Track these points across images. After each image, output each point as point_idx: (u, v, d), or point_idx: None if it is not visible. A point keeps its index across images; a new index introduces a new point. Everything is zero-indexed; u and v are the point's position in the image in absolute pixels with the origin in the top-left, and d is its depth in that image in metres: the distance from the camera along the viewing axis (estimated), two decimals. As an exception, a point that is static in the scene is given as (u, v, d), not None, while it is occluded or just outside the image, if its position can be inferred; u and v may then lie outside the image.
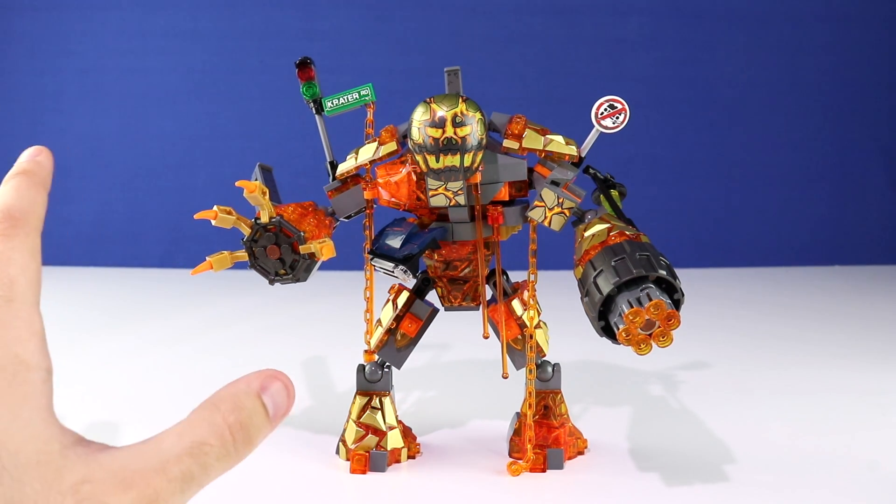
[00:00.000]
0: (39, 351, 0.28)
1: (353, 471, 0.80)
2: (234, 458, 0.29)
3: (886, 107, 2.37)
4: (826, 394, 1.09)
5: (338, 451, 0.84)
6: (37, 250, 0.30)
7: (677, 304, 0.69)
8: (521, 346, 0.81)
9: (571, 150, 0.77)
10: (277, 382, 0.31)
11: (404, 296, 0.83)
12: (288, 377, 0.31)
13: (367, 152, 0.78)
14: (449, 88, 0.78)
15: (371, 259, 0.76)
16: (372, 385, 0.83)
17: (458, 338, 1.27)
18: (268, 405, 0.30)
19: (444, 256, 0.81)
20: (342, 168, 0.80)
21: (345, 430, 0.83)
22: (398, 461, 0.82)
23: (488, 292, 0.81)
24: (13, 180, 0.33)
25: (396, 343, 0.83)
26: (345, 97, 0.80)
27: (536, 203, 0.75)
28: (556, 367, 0.84)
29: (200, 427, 0.29)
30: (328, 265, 0.83)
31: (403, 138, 0.78)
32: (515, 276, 0.85)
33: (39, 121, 2.28)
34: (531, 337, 0.79)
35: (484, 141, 0.72)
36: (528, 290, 0.80)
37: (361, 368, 0.83)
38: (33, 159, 0.35)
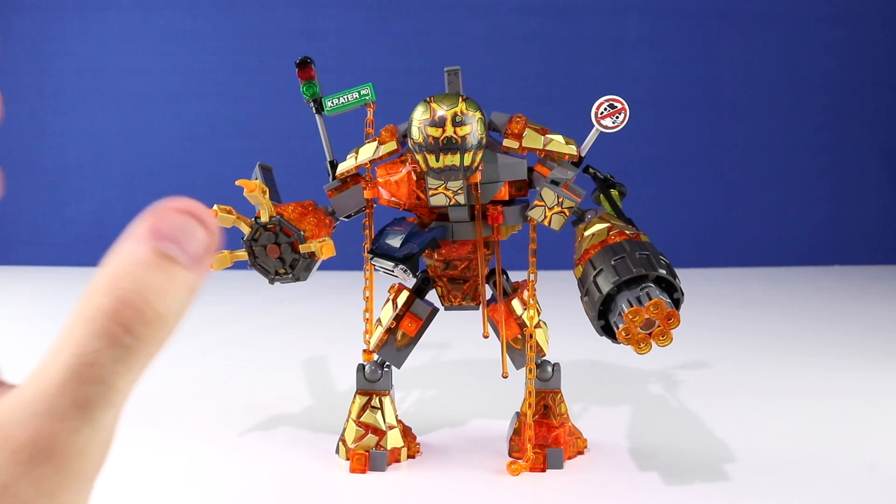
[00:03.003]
0: None
1: (352, 470, 0.80)
2: (141, 348, 0.21)
3: (886, 107, 2.37)
4: (826, 394, 1.09)
5: (338, 451, 0.84)
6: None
7: (677, 303, 0.69)
8: (520, 346, 0.81)
9: (571, 149, 0.77)
10: (171, 214, 0.22)
11: (404, 295, 0.83)
12: (191, 201, 0.22)
13: (367, 152, 0.79)
14: (449, 88, 0.78)
15: (371, 258, 0.76)
16: (372, 384, 0.83)
17: (458, 337, 1.27)
18: (169, 250, 0.21)
19: (443, 256, 0.81)
20: (342, 167, 0.80)
21: (345, 430, 0.83)
22: (398, 461, 0.82)
23: (488, 292, 0.81)
24: None
25: (396, 342, 0.83)
26: (345, 97, 0.80)
27: (536, 202, 0.75)
28: (555, 366, 0.84)
29: (76, 333, 0.21)
30: (328, 264, 0.83)
31: (403, 138, 0.78)
32: (515, 276, 0.85)
33: (39, 121, 2.28)
34: (531, 336, 0.79)
35: (484, 140, 0.72)
36: (528, 290, 0.80)
37: (361, 368, 0.83)
38: None
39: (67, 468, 0.21)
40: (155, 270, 0.21)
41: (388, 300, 0.85)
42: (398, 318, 0.83)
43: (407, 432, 0.85)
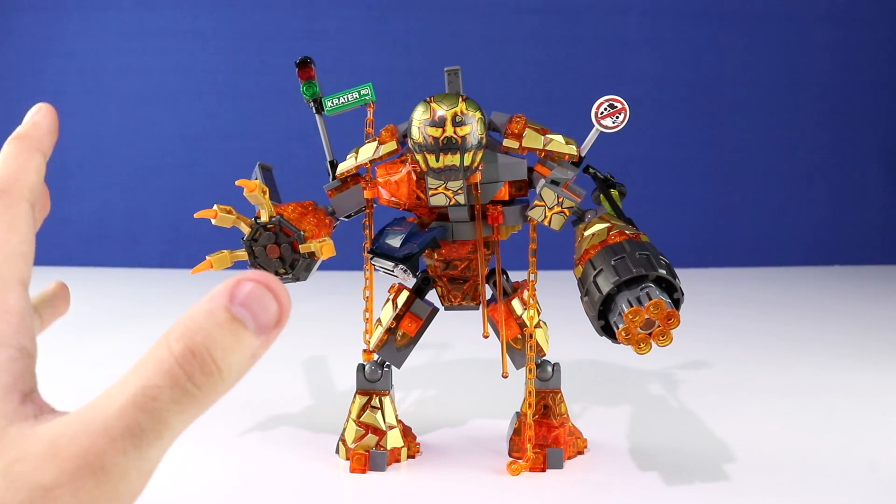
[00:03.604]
0: (12, 330, 0.24)
1: (352, 470, 0.80)
2: (199, 395, 0.23)
3: (886, 107, 2.37)
4: (826, 394, 1.09)
5: (337, 451, 0.84)
6: (21, 222, 0.26)
7: (677, 303, 0.69)
8: (520, 346, 0.81)
9: (571, 149, 0.77)
10: (249, 284, 0.24)
11: (404, 295, 0.83)
12: (271, 276, 0.24)
13: (367, 152, 0.79)
14: (449, 88, 0.78)
15: (371, 258, 0.76)
16: (372, 384, 0.83)
17: (458, 337, 1.27)
18: (241, 315, 0.23)
19: (443, 256, 0.81)
20: (342, 167, 0.80)
21: (345, 430, 0.83)
22: (398, 460, 0.82)
23: (488, 292, 0.81)
24: (5, 146, 0.29)
25: (396, 342, 0.83)
26: (345, 97, 0.80)
27: (536, 202, 0.75)
28: (555, 366, 0.84)
29: (146, 368, 0.23)
30: (328, 264, 0.83)
31: (403, 138, 0.78)
32: (515, 276, 0.85)
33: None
34: (531, 336, 0.79)
35: (484, 140, 0.72)
36: (528, 290, 0.80)
37: (361, 368, 0.83)
38: (30, 120, 0.31)
39: (107, 486, 0.22)
40: (225, 331, 0.23)
41: (388, 300, 0.85)
42: (398, 318, 0.83)
43: (407, 432, 0.85)
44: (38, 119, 0.31)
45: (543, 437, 0.82)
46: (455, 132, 0.70)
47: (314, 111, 0.82)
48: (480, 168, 0.74)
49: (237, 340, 0.23)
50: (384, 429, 0.82)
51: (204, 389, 0.23)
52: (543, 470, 0.80)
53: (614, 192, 0.80)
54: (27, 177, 0.28)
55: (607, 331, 0.71)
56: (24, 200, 0.27)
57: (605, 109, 0.74)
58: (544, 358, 0.83)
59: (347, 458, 0.81)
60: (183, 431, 0.24)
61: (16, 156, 0.29)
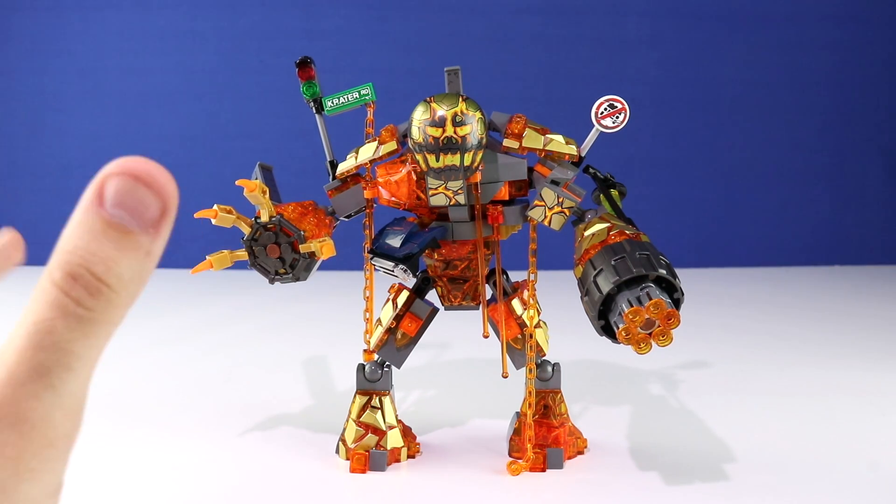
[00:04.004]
0: None
1: (352, 470, 0.80)
2: (96, 317, 0.21)
3: (886, 107, 2.37)
4: (826, 394, 1.09)
5: (337, 451, 0.84)
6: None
7: (677, 303, 0.69)
8: (520, 346, 0.81)
9: (571, 149, 0.77)
10: (115, 180, 0.21)
11: (404, 295, 0.83)
12: (140, 161, 0.22)
13: (367, 152, 0.78)
14: (449, 88, 0.78)
15: (371, 258, 0.76)
16: (372, 384, 0.83)
17: (458, 337, 1.27)
18: (117, 218, 0.21)
19: (444, 256, 0.81)
20: (342, 167, 0.80)
21: (345, 430, 0.83)
22: (398, 460, 0.82)
23: (488, 292, 0.81)
24: None
25: (396, 342, 0.83)
26: (345, 96, 0.80)
27: (536, 202, 0.75)
28: (555, 366, 0.84)
29: (34, 305, 0.21)
30: (328, 264, 0.83)
31: (403, 137, 0.78)
32: (515, 276, 0.85)
33: (39, 121, 2.28)
34: (531, 336, 0.79)
35: (484, 140, 0.72)
36: (528, 290, 0.80)
37: (361, 368, 0.83)
38: None
39: (31, 434, 0.21)
40: (103, 241, 0.21)
41: (388, 300, 0.85)
42: (398, 318, 0.83)
43: (407, 432, 0.85)
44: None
45: (543, 437, 0.82)
46: (455, 132, 0.70)
47: (314, 111, 0.82)
48: (480, 168, 0.74)
49: (120, 247, 0.21)
50: (384, 429, 0.82)
51: (99, 310, 0.21)
52: (543, 470, 0.80)
53: (614, 192, 0.80)
54: None
55: (607, 331, 0.70)
56: None
57: (605, 109, 0.74)
58: (544, 358, 0.83)
59: (347, 458, 0.81)
60: (98, 355, 0.22)
61: None
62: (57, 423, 0.22)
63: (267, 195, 0.73)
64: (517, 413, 0.86)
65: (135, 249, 0.21)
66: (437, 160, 0.72)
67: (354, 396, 0.83)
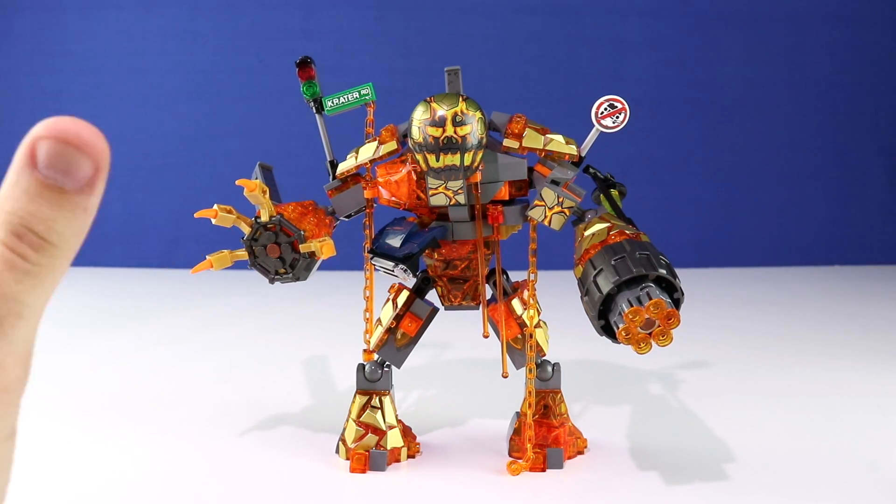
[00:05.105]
0: None
1: (352, 470, 0.80)
2: (41, 270, 0.23)
3: (886, 107, 2.37)
4: (826, 394, 1.09)
5: (337, 451, 0.84)
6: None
7: (677, 303, 0.69)
8: (520, 346, 0.81)
9: (571, 149, 0.77)
10: (44, 143, 0.22)
11: (404, 295, 0.83)
12: (67, 121, 0.23)
13: (367, 151, 0.79)
14: (449, 88, 0.78)
15: (371, 258, 0.76)
16: (372, 384, 0.83)
17: (458, 337, 1.27)
18: (51, 179, 0.22)
19: (444, 256, 0.81)
20: (342, 167, 0.80)
21: (345, 430, 0.83)
22: (398, 460, 0.82)
23: (488, 291, 0.81)
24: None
25: (396, 342, 0.83)
26: (345, 96, 0.80)
27: (536, 202, 0.75)
28: (555, 366, 0.84)
29: None
30: (328, 264, 0.83)
31: (403, 137, 0.78)
32: (515, 276, 0.85)
33: (39, 121, 2.28)
34: (531, 336, 0.79)
35: (484, 140, 0.72)
36: (528, 290, 0.80)
37: (361, 367, 0.83)
38: None
39: None
40: (40, 202, 0.22)
41: (388, 300, 0.85)
42: (398, 318, 0.83)
43: (407, 432, 0.85)
44: None
45: (543, 437, 0.82)
46: (455, 132, 0.70)
47: (314, 111, 0.82)
48: (481, 168, 0.74)
49: (57, 206, 0.22)
50: (384, 429, 0.82)
51: (43, 263, 0.23)
52: (543, 470, 0.80)
53: (614, 192, 0.80)
54: None
55: (607, 331, 0.70)
56: None
57: (605, 109, 0.74)
58: (544, 358, 0.83)
59: (347, 458, 0.81)
60: (44, 303, 0.23)
61: None
62: (9, 369, 0.23)
63: (267, 195, 0.73)
64: (517, 413, 0.86)
65: (72, 208, 0.22)
66: (437, 160, 0.72)
67: (354, 396, 0.83)
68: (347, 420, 0.83)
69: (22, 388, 0.24)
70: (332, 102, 0.80)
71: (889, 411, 1.01)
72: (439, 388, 1.10)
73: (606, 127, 0.75)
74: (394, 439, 0.82)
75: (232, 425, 0.93)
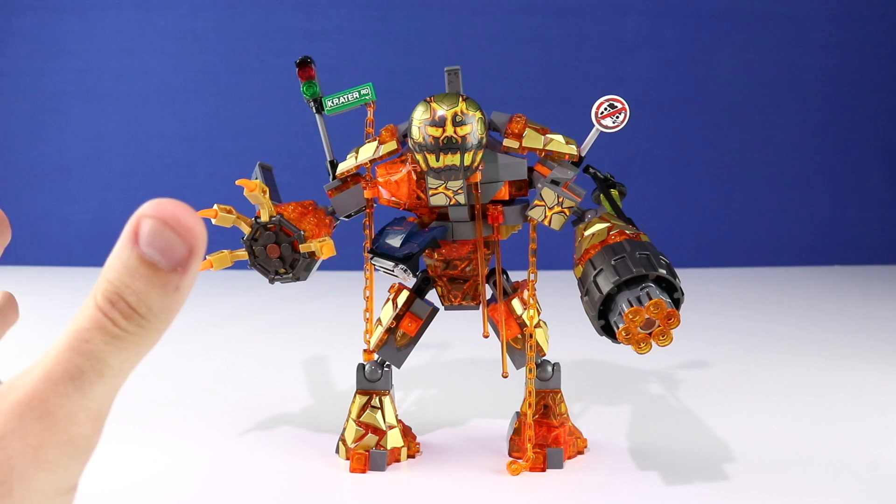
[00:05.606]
0: None
1: (352, 470, 0.80)
2: (130, 337, 0.24)
3: (886, 107, 2.37)
4: (826, 394, 1.09)
5: (337, 450, 0.84)
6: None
7: (677, 303, 0.69)
8: (520, 346, 0.81)
9: (571, 149, 0.77)
10: (148, 222, 0.23)
11: (404, 295, 0.83)
12: (172, 204, 0.24)
13: (367, 151, 0.79)
14: (449, 88, 0.78)
15: (371, 258, 0.76)
16: (372, 384, 0.83)
17: (458, 337, 1.27)
18: (150, 256, 0.24)
19: (444, 255, 0.81)
20: (342, 167, 0.80)
21: (345, 429, 0.83)
22: (398, 460, 0.82)
23: (488, 291, 0.81)
24: None
25: (396, 342, 0.83)
26: (345, 96, 0.80)
27: (536, 202, 0.75)
28: (555, 366, 0.84)
29: (78, 318, 0.24)
30: (328, 264, 0.83)
31: (404, 137, 0.78)
32: (515, 276, 0.85)
33: (39, 121, 2.28)
34: (531, 336, 0.79)
35: (484, 140, 0.72)
36: (528, 290, 0.80)
37: (361, 367, 0.83)
38: None
39: (55, 429, 0.23)
40: (136, 276, 0.24)
41: (388, 300, 0.85)
42: (398, 318, 0.83)
43: (407, 432, 0.85)
44: None
45: (543, 437, 0.82)
46: (455, 132, 0.70)
47: (314, 111, 0.82)
48: (481, 168, 0.74)
49: (150, 283, 0.24)
50: (384, 428, 0.82)
51: (132, 331, 0.24)
52: (543, 470, 0.80)
53: (614, 192, 0.80)
54: None
55: (607, 331, 0.70)
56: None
57: (605, 109, 0.74)
58: (544, 358, 0.83)
59: (347, 458, 0.81)
60: (128, 371, 0.25)
61: None
62: (80, 423, 0.24)
63: (267, 195, 0.73)
64: (517, 413, 0.86)
65: (164, 285, 0.24)
66: (437, 160, 0.72)
67: (354, 396, 0.83)
68: (347, 420, 0.83)
69: (91, 446, 0.24)
70: (332, 102, 0.80)
71: (888, 411, 1.01)
72: (439, 388, 1.10)
73: (606, 127, 0.75)
74: (394, 439, 0.82)
75: (232, 425, 0.93)
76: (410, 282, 0.81)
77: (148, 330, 0.24)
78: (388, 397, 0.83)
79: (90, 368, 0.24)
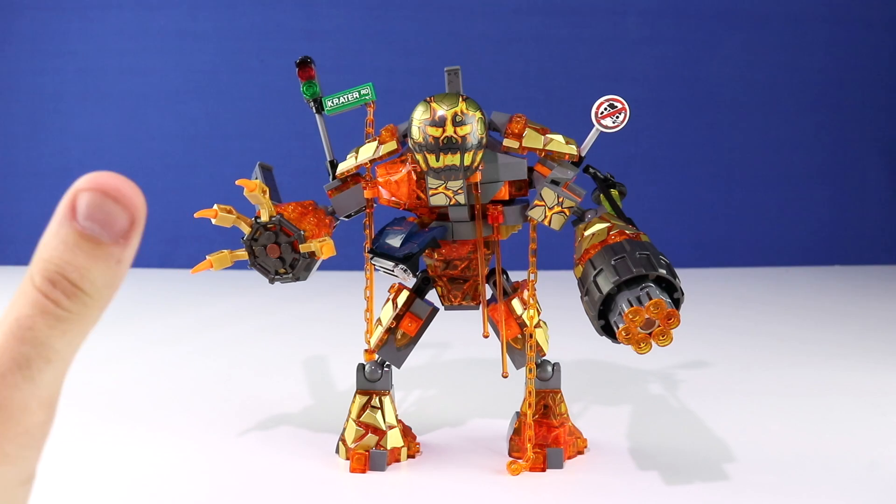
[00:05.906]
0: None
1: (352, 470, 0.80)
2: (73, 317, 0.23)
3: (886, 107, 2.37)
4: (826, 394, 1.09)
5: (337, 450, 0.84)
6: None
7: (677, 303, 0.69)
8: (520, 346, 0.81)
9: (571, 149, 0.77)
10: (86, 195, 0.23)
11: (404, 295, 0.83)
12: (110, 176, 0.23)
13: (367, 151, 0.79)
14: (449, 88, 0.78)
15: (371, 258, 0.76)
16: (372, 384, 0.83)
17: (458, 337, 1.27)
18: (89, 230, 0.23)
19: (444, 255, 0.81)
20: (342, 167, 0.80)
21: (345, 429, 0.83)
22: (398, 460, 0.82)
23: (488, 291, 0.81)
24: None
25: (396, 342, 0.83)
26: (345, 96, 0.80)
27: (536, 202, 0.75)
28: (555, 366, 0.84)
29: (17, 303, 0.23)
30: (328, 264, 0.83)
31: (403, 137, 0.78)
32: (515, 276, 0.85)
33: (39, 121, 2.28)
34: (531, 336, 0.79)
35: (484, 140, 0.72)
36: (528, 290, 0.80)
37: (361, 367, 0.83)
38: None
39: (9, 422, 0.23)
40: (77, 251, 0.23)
41: (388, 300, 0.85)
42: (398, 318, 0.83)
43: (407, 432, 0.85)
44: None
45: (543, 437, 0.82)
46: (455, 132, 0.70)
47: (314, 111, 0.82)
48: (481, 168, 0.74)
49: (92, 257, 0.23)
50: (384, 428, 0.82)
51: (76, 311, 0.23)
52: (543, 470, 0.80)
53: (614, 192, 0.80)
54: None
55: (607, 331, 0.70)
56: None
57: (605, 109, 0.74)
58: (544, 358, 0.83)
59: (347, 458, 0.81)
60: (73, 352, 0.24)
61: None
62: (33, 412, 0.23)
63: (267, 195, 0.73)
64: (517, 413, 0.86)
65: (106, 258, 0.23)
66: (437, 160, 0.72)
67: (354, 396, 0.83)
68: (347, 420, 0.83)
69: (45, 433, 0.24)
70: (332, 102, 0.80)
71: (888, 411, 1.01)
72: (439, 388, 1.10)
73: (606, 127, 0.75)
74: (394, 439, 0.82)
75: (232, 425, 0.93)
76: (410, 282, 0.81)
77: (91, 308, 0.24)
78: (388, 397, 0.83)
79: (37, 356, 0.23)
